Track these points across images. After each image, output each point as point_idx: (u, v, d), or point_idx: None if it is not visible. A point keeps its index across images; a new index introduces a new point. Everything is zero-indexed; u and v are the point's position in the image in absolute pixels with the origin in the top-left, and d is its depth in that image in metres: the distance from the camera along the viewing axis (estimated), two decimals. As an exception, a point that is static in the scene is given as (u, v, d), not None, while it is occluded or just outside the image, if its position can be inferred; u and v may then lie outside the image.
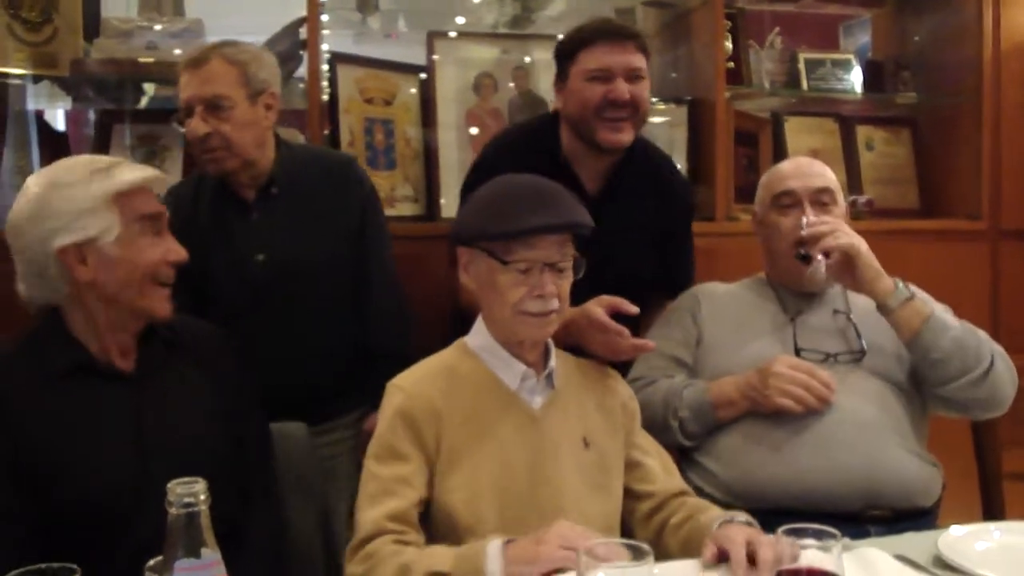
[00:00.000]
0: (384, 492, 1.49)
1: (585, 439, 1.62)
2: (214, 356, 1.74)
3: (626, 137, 2.13)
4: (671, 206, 2.31)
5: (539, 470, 1.55)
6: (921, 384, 1.95)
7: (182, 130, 2.09)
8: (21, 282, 1.62)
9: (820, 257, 1.90)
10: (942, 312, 1.92)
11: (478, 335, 1.63)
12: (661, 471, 1.70)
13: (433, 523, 1.55)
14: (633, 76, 2.12)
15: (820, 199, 2.01)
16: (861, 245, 1.90)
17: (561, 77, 2.19)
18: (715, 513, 1.54)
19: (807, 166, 2.07)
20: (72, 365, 1.58)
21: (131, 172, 1.59)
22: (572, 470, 1.58)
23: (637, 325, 2.30)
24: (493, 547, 1.35)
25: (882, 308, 1.90)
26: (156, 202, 1.64)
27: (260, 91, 2.08)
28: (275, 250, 2.08)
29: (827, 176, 2.05)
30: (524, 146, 2.21)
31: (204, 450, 1.60)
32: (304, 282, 2.09)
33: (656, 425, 1.91)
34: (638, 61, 2.14)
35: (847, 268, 1.91)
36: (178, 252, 1.65)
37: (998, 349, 1.92)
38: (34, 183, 1.57)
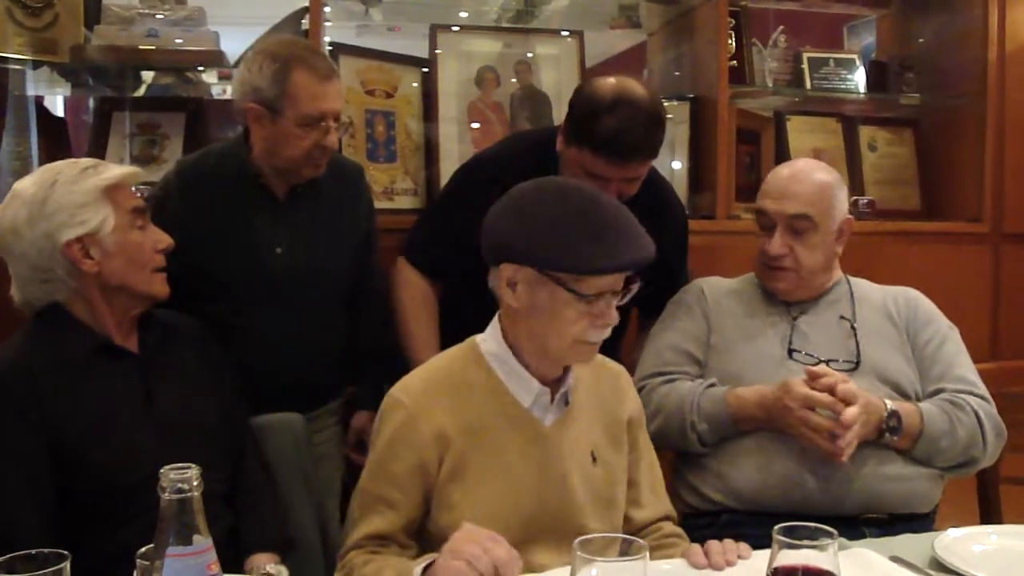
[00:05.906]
0: (371, 509, 1.50)
1: (593, 454, 1.58)
2: (202, 338, 1.87)
3: None
4: (668, 234, 2.17)
5: (546, 488, 1.52)
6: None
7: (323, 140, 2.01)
8: (19, 288, 1.67)
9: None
10: (930, 420, 1.85)
11: (492, 340, 1.56)
12: (650, 494, 1.68)
13: (433, 537, 1.49)
14: (630, 181, 2.00)
15: (794, 226, 1.94)
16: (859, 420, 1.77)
17: (567, 139, 2.02)
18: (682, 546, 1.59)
19: (793, 184, 1.96)
20: (91, 348, 1.66)
21: (115, 168, 1.71)
22: (579, 485, 1.55)
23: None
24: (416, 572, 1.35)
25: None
26: (137, 198, 1.75)
27: None
28: (294, 246, 2.10)
29: (809, 198, 1.94)
30: (524, 160, 2.08)
31: (205, 421, 1.75)
32: (315, 280, 2.12)
33: (672, 431, 1.90)
34: (640, 171, 2.00)
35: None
36: (165, 240, 1.76)
37: (984, 415, 1.88)
38: (26, 187, 1.64)
